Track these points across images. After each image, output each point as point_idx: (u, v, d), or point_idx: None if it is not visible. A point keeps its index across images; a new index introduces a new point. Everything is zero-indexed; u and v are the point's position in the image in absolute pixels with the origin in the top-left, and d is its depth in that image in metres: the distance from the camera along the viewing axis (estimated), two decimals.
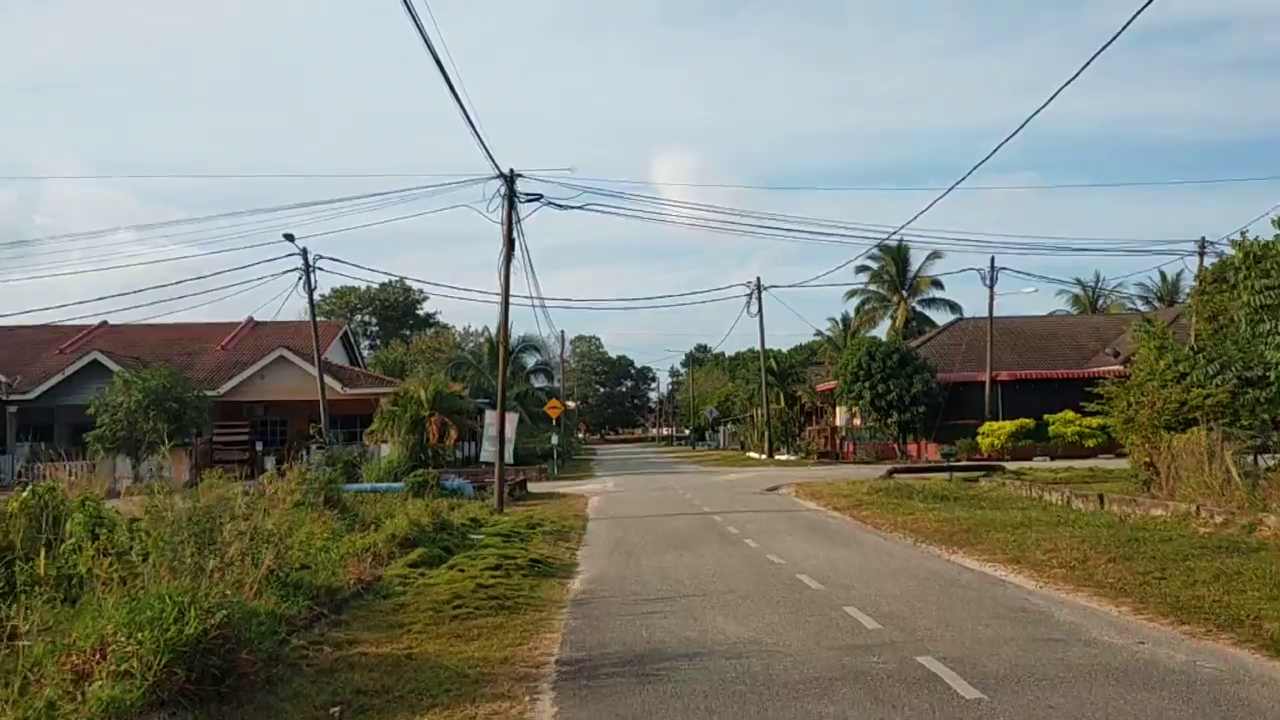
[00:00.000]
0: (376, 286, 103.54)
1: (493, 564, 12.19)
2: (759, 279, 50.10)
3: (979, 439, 42.90)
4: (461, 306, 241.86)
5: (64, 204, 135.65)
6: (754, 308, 50.03)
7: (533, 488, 31.80)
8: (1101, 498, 20.05)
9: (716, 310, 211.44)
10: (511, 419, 23.30)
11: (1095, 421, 42.98)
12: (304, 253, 38.19)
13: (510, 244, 20.46)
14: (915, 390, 44.19)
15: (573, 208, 21.05)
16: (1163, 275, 74.59)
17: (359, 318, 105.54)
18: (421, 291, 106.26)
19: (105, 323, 52.35)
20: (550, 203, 20.85)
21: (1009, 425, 42.84)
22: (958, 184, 46.40)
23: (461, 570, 11.87)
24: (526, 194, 20.63)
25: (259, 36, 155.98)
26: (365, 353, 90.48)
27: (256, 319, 52.71)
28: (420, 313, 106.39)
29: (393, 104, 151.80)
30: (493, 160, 19.83)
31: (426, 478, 24.04)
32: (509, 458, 22.92)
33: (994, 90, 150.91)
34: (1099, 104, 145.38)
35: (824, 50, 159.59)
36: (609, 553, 15.16)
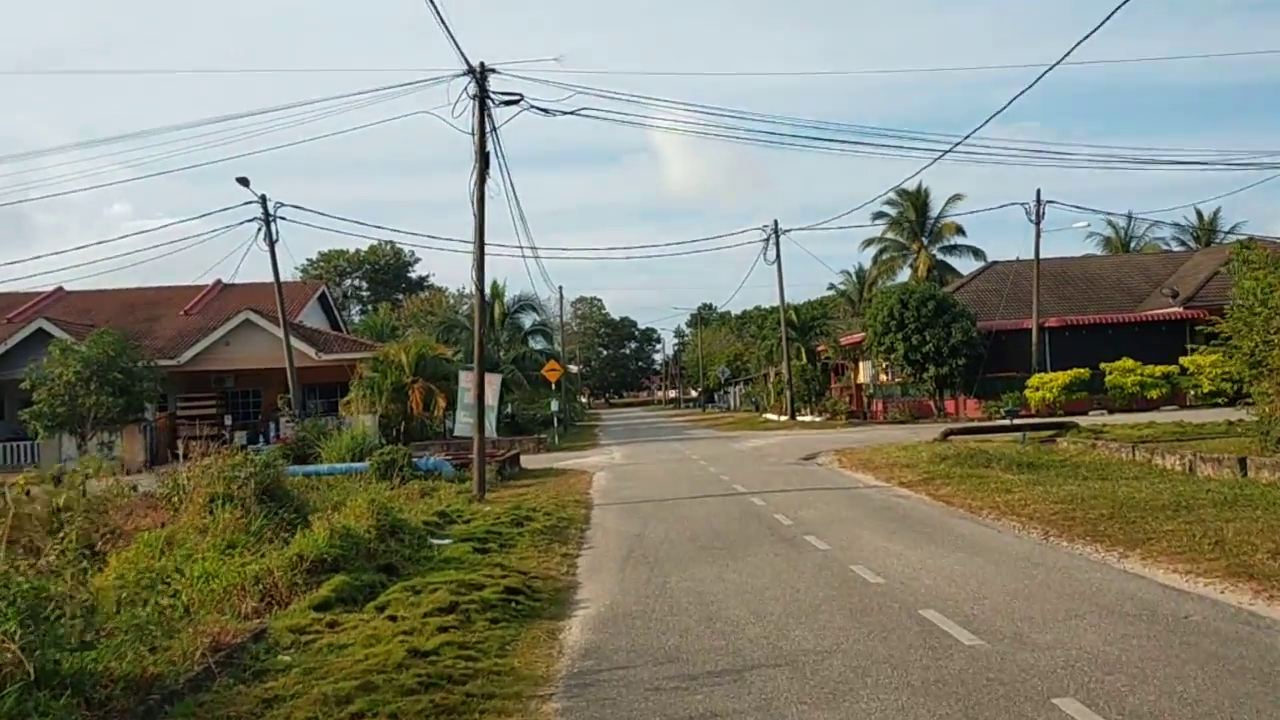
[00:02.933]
0: (366, 249, 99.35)
1: (445, 603, 7.82)
2: (776, 221, 45.56)
3: (1028, 392, 38.50)
4: (456, 269, 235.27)
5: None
6: (771, 254, 45.48)
7: (529, 461, 27.50)
8: (1243, 462, 15.76)
9: (722, 271, 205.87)
10: (493, 381, 18.87)
11: (1159, 370, 38.76)
12: (262, 200, 33.79)
13: (484, 158, 16.01)
14: (954, 340, 39.76)
15: (560, 113, 16.56)
16: (1199, 214, 69.94)
17: (348, 282, 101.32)
18: (413, 253, 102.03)
19: (60, 288, 47.98)
20: (533, 107, 16.37)
21: (1061, 376, 38.45)
22: (993, 117, 41.57)
23: (394, 618, 7.52)
24: (502, 94, 16.18)
25: None
26: (356, 318, 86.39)
27: (226, 281, 48.40)
28: (412, 275, 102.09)
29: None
30: (459, 49, 15.35)
31: (395, 456, 19.71)
32: (490, 429, 18.55)
33: (988, 42, 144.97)
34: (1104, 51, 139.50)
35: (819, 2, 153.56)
36: (622, 564, 10.83)
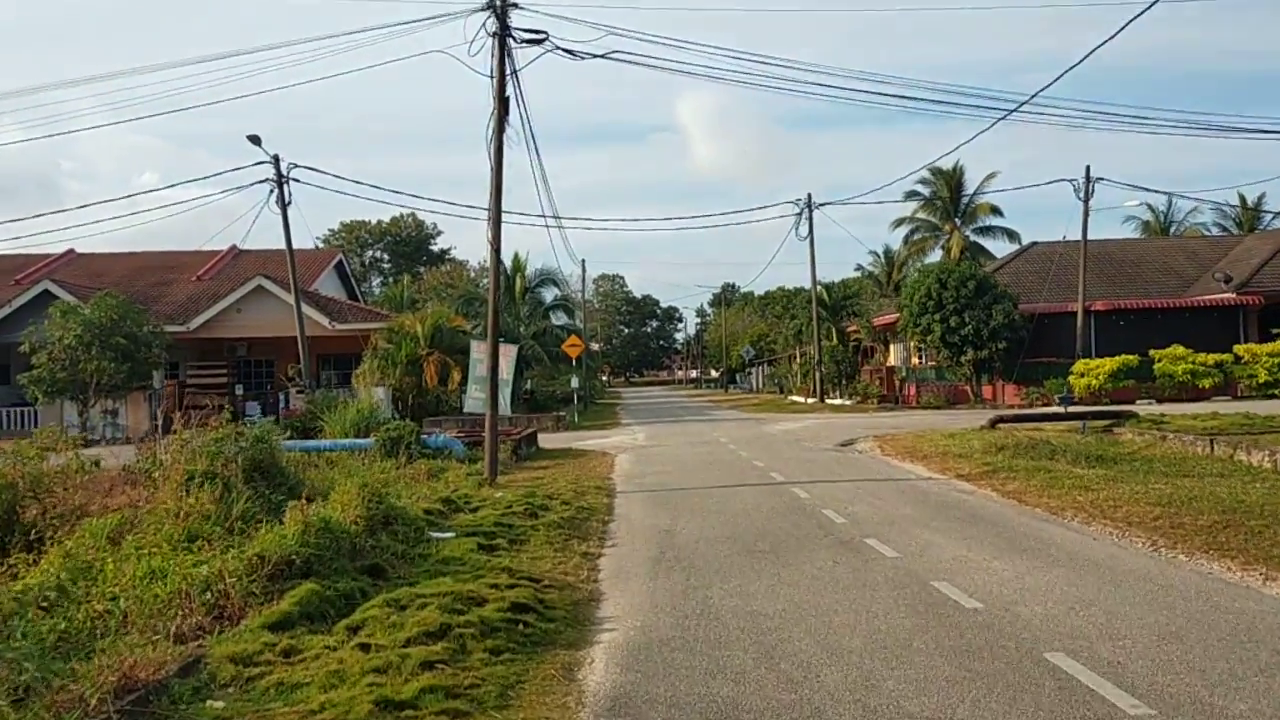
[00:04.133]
0: (388, 221, 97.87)
1: (435, 625, 6.15)
2: (810, 195, 43.52)
3: (1071, 379, 36.55)
4: (478, 244, 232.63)
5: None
6: (803, 229, 43.52)
7: (547, 440, 25.88)
8: None
9: (746, 251, 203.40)
10: (508, 352, 17.13)
11: (1211, 358, 36.70)
12: (275, 160, 32.16)
13: (503, 102, 14.27)
14: (995, 323, 37.82)
15: (588, 55, 14.75)
16: (1241, 198, 67.40)
17: (370, 253, 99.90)
18: (435, 226, 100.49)
19: (71, 250, 46.71)
20: (559, 48, 14.61)
21: (1108, 363, 36.43)
22: (1038, 94, 39.24)
23: (366, 646, 5.85)
24: (524, 31, 14.42)
25: None
26: (376, 290, 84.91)
27: (242, 247, 46.94)
28: (434, 249, 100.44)
29: None
30: None
31: (401, 433, 18.08)
32: (504, 405, 16.87)
33: (1020, 27, 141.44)
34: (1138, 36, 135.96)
35: None
36: (653, 568, 9.15)
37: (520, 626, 6.51)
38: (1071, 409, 25.42)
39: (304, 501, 8.18)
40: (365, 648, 5.77)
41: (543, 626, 6.66)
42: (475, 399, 16.81)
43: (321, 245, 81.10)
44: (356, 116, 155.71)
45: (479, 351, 16.81)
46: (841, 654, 6.07)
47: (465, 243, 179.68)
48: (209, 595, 6.75)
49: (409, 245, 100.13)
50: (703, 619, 7.13)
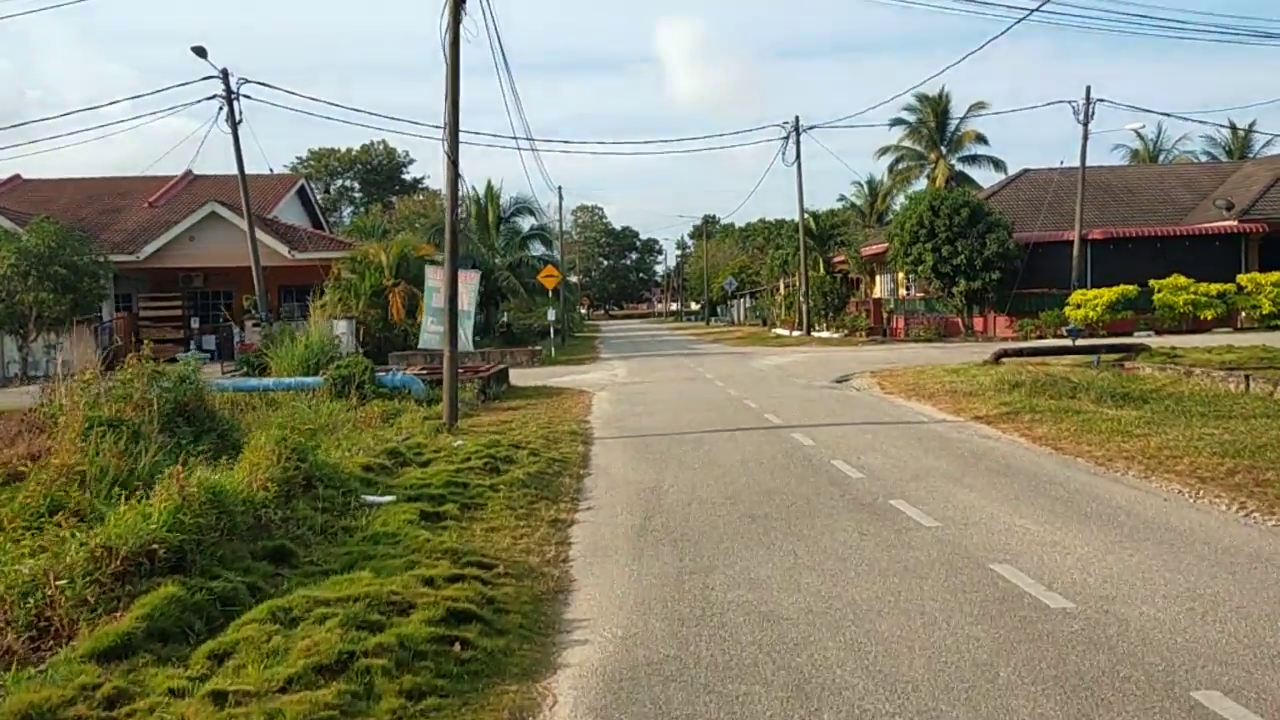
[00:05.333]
0: (358, 149, 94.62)
1: (331, 654, 4.34)
2: (797, 118, 41.31)
3: (1067, 310, 34.94)
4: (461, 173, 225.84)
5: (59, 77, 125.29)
6: (790, 155, 41.39)
7: (520, 377, 24.05)
8: None
9: (727, 181, 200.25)
10: (468, 280, 14.99)
11: (1213, 288, 35.15)
12: (224, 75, 29.67)
13: None
14: (989, 252, 36.11)
15: None
16: (1233, 127, 65.62)
17: (340, 182, 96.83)
18: (408, 154, 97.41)
19: (17, 176, 44.09)
20: None
21: (1106, 294, 34.82)
22: (1021, 21, 36.94)
23: (221, 697, 3.99)
24: None
25: None
26: (347, 220, 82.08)
27: (198, 173, 44.35)
28: (406, 177, 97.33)
29: None
30: None
31: (352, 371, 16.20)
32: (465, 340, 14.83)
33: None
34: None
35: None
36: (636, 543, 7.39)
37: (456, 648, 4.73)
38: (1079, 342, 23.80)
39: (179, 468, 6.33)
40: (220, 698, 3.98)
41: (487, 645, 4.88)
42: (432, 333, 14.84)
43: (288, 172, 78.21)
44: (325, 46, 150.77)
45: (435, 279, 14.75)
46: (902, 690, 4.35)
47: (439, 172, 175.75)
48: (32, 604, 4.95)
49: (380, 174, 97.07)
50: (704, 624, 5.39)
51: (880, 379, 20.53)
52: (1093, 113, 37.33)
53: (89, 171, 51.80)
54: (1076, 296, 35.54)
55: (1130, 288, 35.05)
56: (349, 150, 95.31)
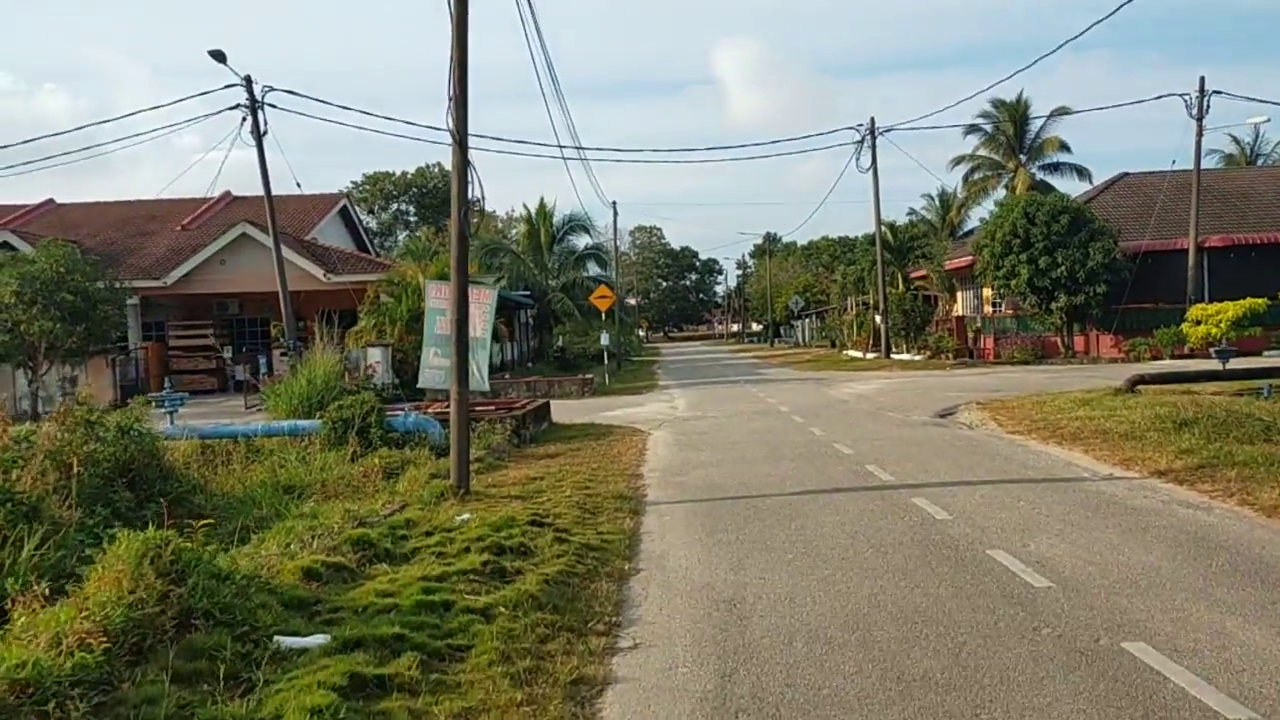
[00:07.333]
0: (413, 171, 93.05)
1: None
2: (873, 119, 37.83)
3: (1185, 327, 30.96)
4: (506, 191, 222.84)
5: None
6: (865, 160, 37.96)
7: (569, 410, 20.95)
8: None
9: (785, 200, 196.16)
10: (481, 298, 11.49)
11: None
12: (247, 82, 27.24)
13: None
14: (1093, 263, 32.36)
15: None
16: None
17: (395, 206, 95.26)
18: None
19: (50, 200, 42.42)
20: None
21: (1231, 308, 30.67)
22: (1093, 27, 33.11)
23: None
24: None
25: None
26: (401, 243, 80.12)
27: (237, 193, 42.26)
28: None
29: None
30: None
31: (354, 412, 13.19)
32: (478, 378, 11.39)
33: None
34: None
35: None
36: None
37: None
38: (1231, 365, 20.11)
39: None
40: None
41: None
42: (434, 368, 11.53)
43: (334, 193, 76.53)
44: (387, 76, 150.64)
45: (438, 297, 11.43)
46: None
47: (496, 192, 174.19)
48: None
49: (435, 198, 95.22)
50: None
51: (993, 412, 17.06)
52: (1208, 107, 33.46)
53: (127, 197, 50.01)
54: (1196, 312, 31.48)
55: (1258, 301, 30.92)
56: (404, 174, 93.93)
